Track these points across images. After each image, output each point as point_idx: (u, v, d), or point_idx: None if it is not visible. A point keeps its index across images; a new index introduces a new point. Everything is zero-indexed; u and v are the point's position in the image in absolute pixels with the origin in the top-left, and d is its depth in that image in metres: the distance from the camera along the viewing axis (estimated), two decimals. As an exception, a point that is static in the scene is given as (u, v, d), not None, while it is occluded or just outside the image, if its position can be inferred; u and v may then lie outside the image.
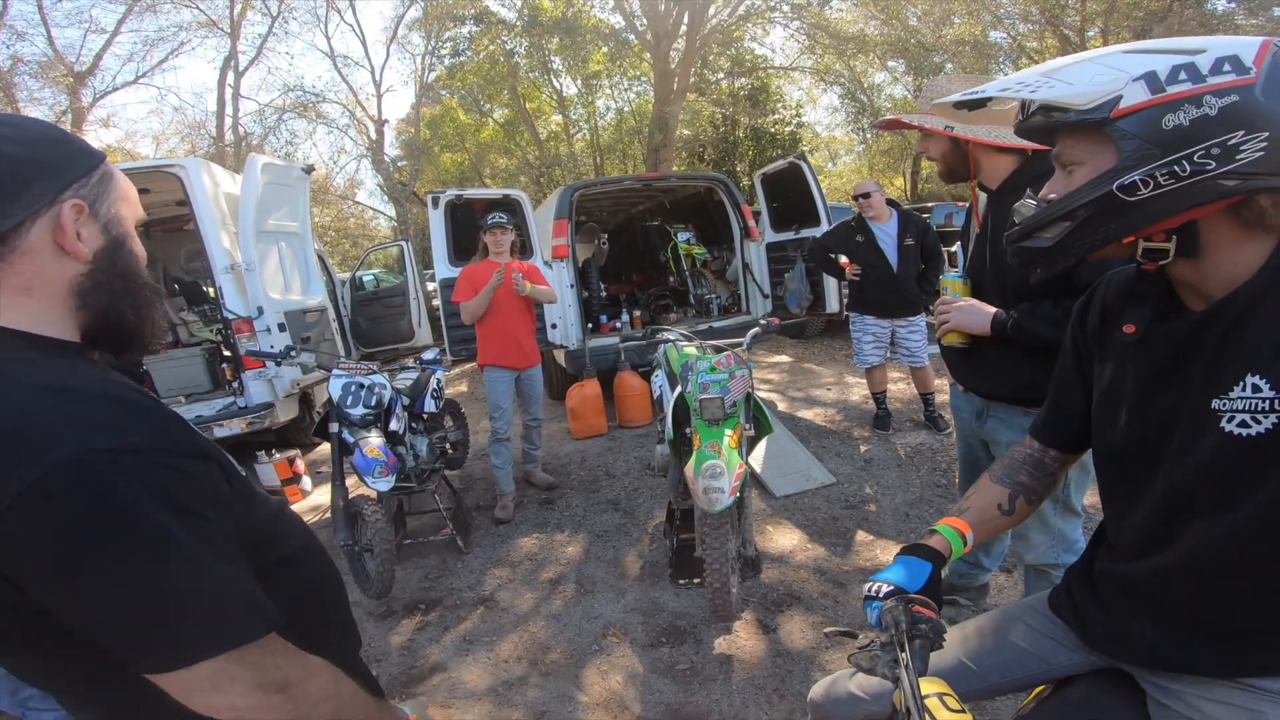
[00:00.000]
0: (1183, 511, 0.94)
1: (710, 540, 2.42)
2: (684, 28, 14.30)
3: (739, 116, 16.53)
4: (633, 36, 15.58)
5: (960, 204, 11.02)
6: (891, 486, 3.95)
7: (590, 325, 6.55)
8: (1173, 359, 0.94)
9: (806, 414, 5.53)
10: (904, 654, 0.93)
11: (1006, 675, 1.21)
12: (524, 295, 3.92)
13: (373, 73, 18.95)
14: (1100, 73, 0.84)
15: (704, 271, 7.57)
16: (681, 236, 7.63)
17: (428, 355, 4.34)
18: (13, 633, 0.70)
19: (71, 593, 0.65)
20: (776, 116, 17.55)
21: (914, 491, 3.85)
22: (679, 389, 2.86)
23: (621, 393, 5.56)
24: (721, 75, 16.53)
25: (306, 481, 5.04)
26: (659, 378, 3.62)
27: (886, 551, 3.21)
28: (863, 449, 4.58)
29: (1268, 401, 0.82)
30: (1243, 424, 0.84)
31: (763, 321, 3.54)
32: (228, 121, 18.00)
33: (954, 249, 7.39)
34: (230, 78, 17.58)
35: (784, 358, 7.72)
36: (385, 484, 3.06)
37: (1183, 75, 0.79)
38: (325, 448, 5.75)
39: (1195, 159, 0.78)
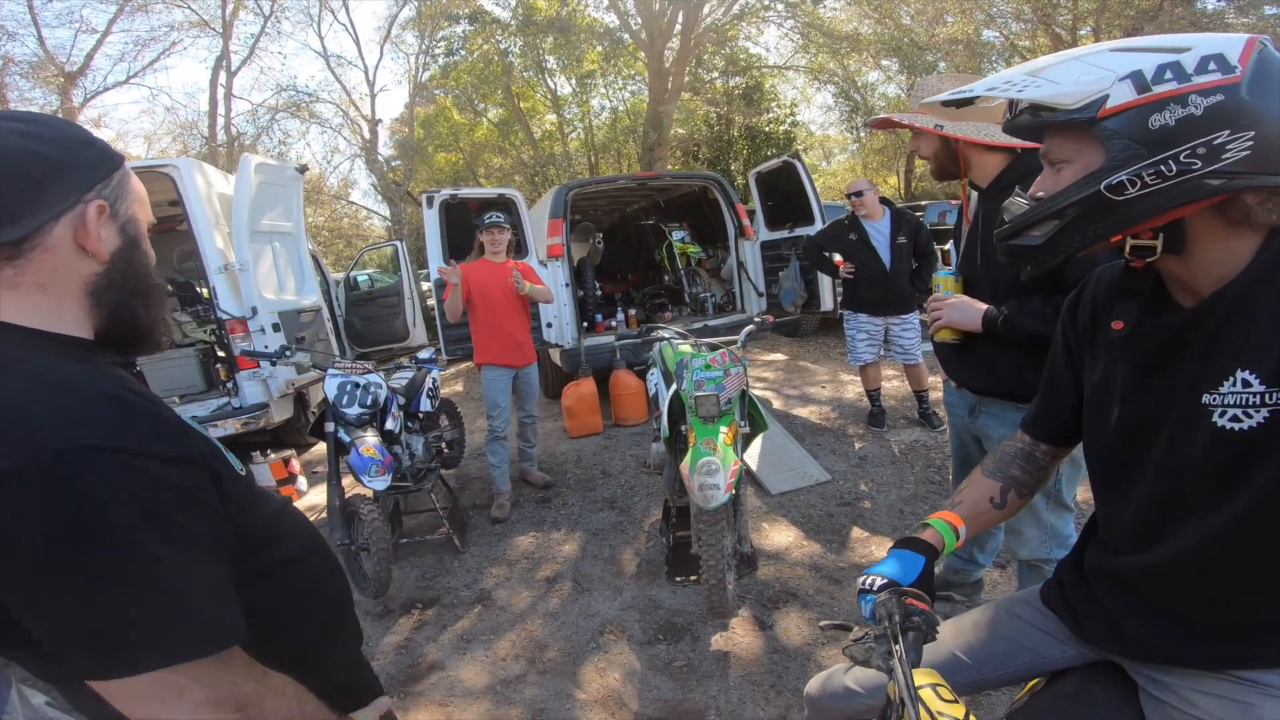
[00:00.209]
0: (1174, 506, 0.95)
1: (706, 537, 2.43)
2: (678, 27, 14.31)
3: (733, 115, 16.56)
4: (627, 36, 15.59)
5: (954, 202, 11.05)
6: (886, 483, 3.97)
7: (585, 324, 6.55)
8: (1163, 354, 0.95)
9: (801, 411, 5.55)
10: (898, 646, 0.93)
11: (1000, 668, 1.22)
12: (523, 294, 3.95)
13: (366, 72, 19.09)
14: (1086, 72, 0.84)
15: (699, 270, 7.58)
16: (676, 235, 7.64)
17: (423, 355, 4.34)
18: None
19: (22, 585, 0.63)
20: (771, 115, 17.59)
21: (908, 488, 3.87)
22: (674, 387, 2.86)
23: (617, 391, 5.57)
24: (716, 74, 16.53)
25: (302, 482, 5.03)
26: (654, 376, 3.63)
27: (881, 548, 3.23)
28: (857, 446, 4.60)
29: (1258, 396, 0.83)
30: (1234, 418, 0.85)
31: (757, 319, 3.55)
32: (220, 121, 17.91)
33: (947, 247, 7.42)
34: (222, 77, 17.49)
35: (779, 356, 7.74)
36: (381, 483, 3.06)
37: (1168, 74, 0.79)
38: (321, 448, 5.74)
39: (1181, 159, 0.79)
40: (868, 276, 4.53)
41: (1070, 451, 1.24)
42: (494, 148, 21.31)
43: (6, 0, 14.47)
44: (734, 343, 3.07)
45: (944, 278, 1.98)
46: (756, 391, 6.13)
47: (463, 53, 16.62)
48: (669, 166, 16.07)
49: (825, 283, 6.07)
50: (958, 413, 2.19)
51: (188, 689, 0.68)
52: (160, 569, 0.67)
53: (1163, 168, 0.79)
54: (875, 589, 1.06)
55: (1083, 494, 2.29)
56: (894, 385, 5.68)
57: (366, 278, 12.06)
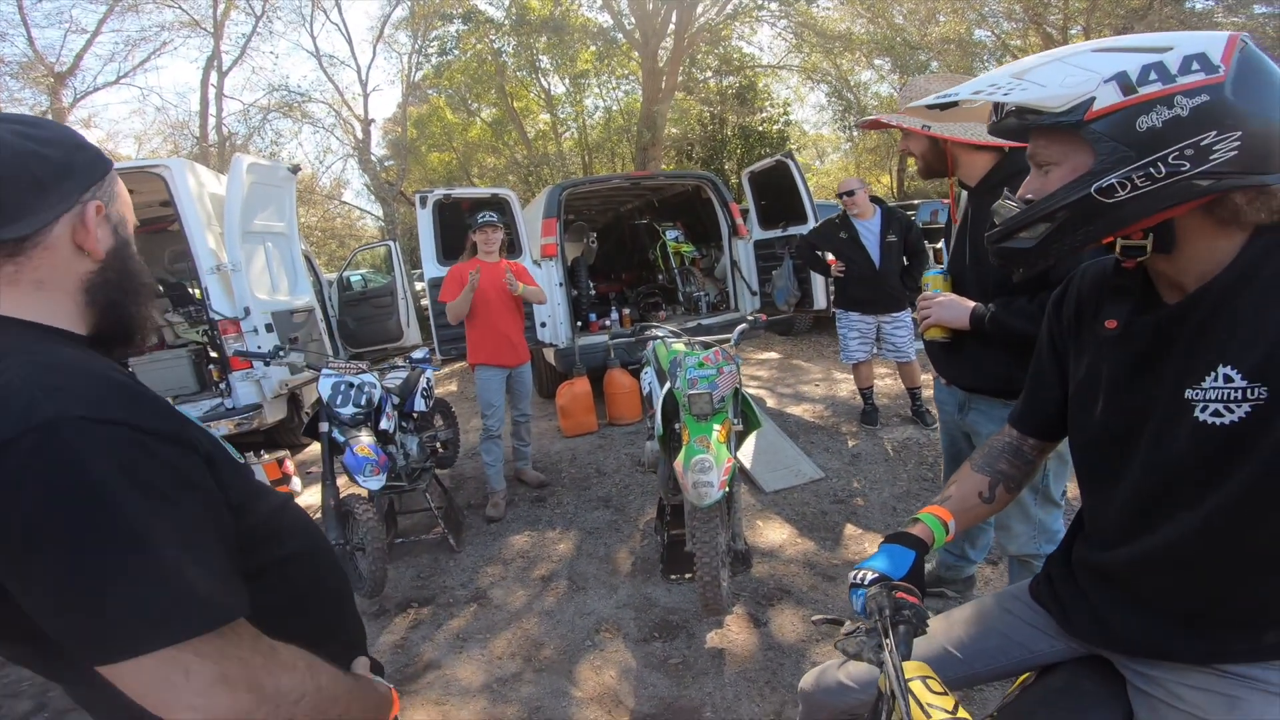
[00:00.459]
0: (1157, 499, 0.96)
1: (700, 535, 2.44)
2: (672, 26, 14.32)
3: (727, 115, 16.58)
4: (621, 35, 15.60)
5: (945, 201, 11.06)
6: (879, 481, 3.99)
7: (579, 323, 6.55)
8: (1147, 350, 0.96)
9: (795, 410, 5.56)
10: (888, 639, 0.94)
11: (990, 662, 1.23)
12: (516, 295, 3.96)
13: (359, 72, 18.88)
14: (1071, 74, 0.84)
15: (692, 269, 7.59)
16: (670, 235, 7.64)
17: (417, 354, 4.33)
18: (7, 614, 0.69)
19: (17, 562, 0.62)
20: (764, 115, 17.60)
21: (901, 485, 3.89)
22: (668, 385, 2.87)
23: (611, 390, 5.58)
24: (709, 74, 16.55)
25: (296, 482, 5.02)
26: (648, 375, 3.64)
27: (875, 545, 3.24)
28: (850, 444, 4.62)
29: (1239, 391, 0.84)
30: (1215, 413, 0.86)
31: (750, 318, 3.57)
32: (211, 121, 17.83)
33: (939, 246, 7.45)
34: (214, 77, 17.42)
35: (772, 354, 7.75)
36: (376, 483, 3.05)
37: (1153, 75, 0.80)
38: (315, 448, 5.73)
39: (1170, 160, 0.79)
40: (858, 275, 4.55)
41: (1057, 446, 1.25)
42: (487, 147, 21.27)
43: (-5, 1, 14.39)
44: (727, 341, 3.08)
45: (933, 276, 2.00)
46: (750, 390, 6.14)
47: (456, 52, 16.58)
48: (663, 166, 16.06)
49: (818, 281, 6.09)
50: (948, 410, 2.21)
51: (195, 668, 0.65)
52: (154, 543, 0.65)
53: (1152, 170, 0.80)
54: (866, 584, 1.07)
55: (1072, 490, 2.31)
56: (886, 383, 5.71)
57: (360, 278, 12.01)
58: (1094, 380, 1.05)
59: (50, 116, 14.57)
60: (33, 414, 0.62)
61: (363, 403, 3.34)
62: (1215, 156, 0.78)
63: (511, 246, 5.79)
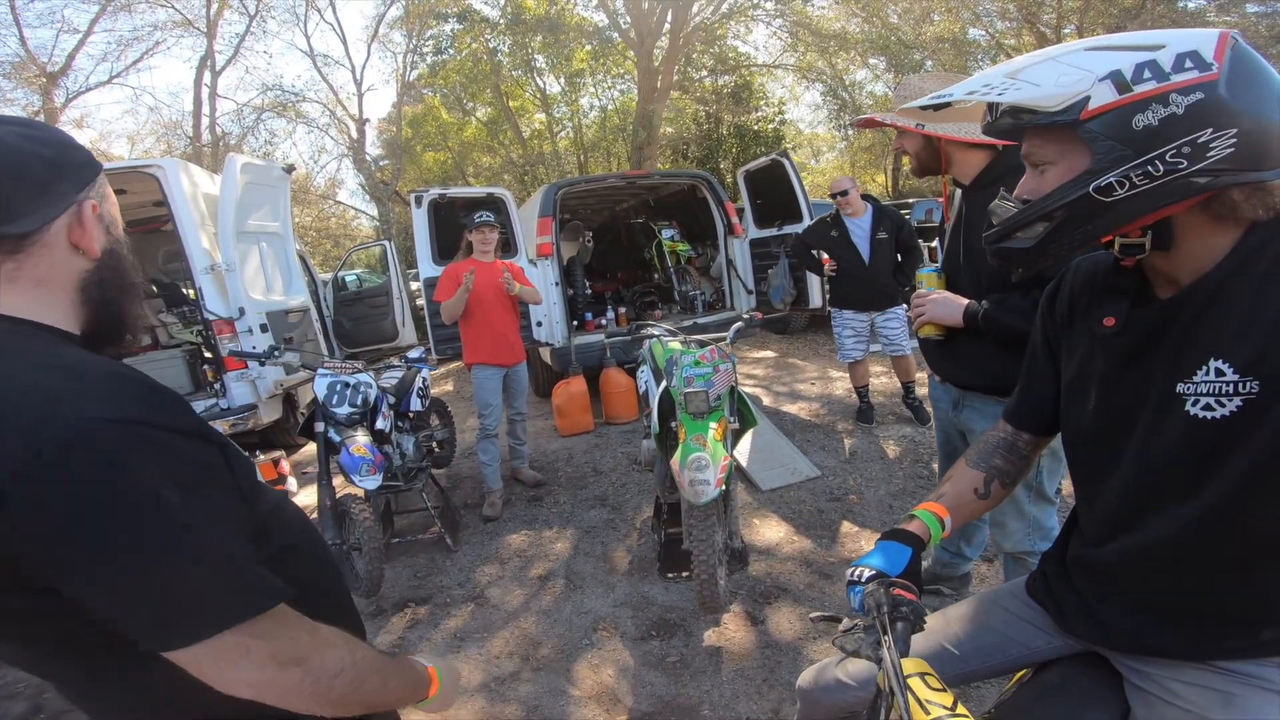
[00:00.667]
0: (1150, 494, 0.96)
1: (697, 533, 2.45)
2: (667, 25, 14.32)
3: (722, 114, 16.56)
4: (616, 34, 15.57)
5: (940, 199, 11.06)
6: (875, 479, 4.00)
7: (575, 323, 6.55)
8: (1139, 344, 0.96)
9: (791, 408, 5.57)
10: (887, 636, 0.94)
11: (987, 659, 1.23)
12: (512, 295, 3.96)
13: (353, 71, 18.77)
14: (1066, 73, 0.84)
15: (688, 268, 7.58)
16: (666, 234, 7.63)
17: (413, 354, 4.33)
18: (13, 612, 0.70)
19: (78, 565, 0.64)
20: (759, 114, 17.58)
21: (897, 483, 3.90)
22: (664, 384, 2.88)
23: (608, 389, 5.58)
24: (705, 73, 16.54)
25: (292, 482, 5.00)
26: (644, 373, 3.64)
27: (871, 542, 3.24)
28: (846, 442, 4.63)
29: (1231, 385, 0.84)
30: (1207, 407, 0.86)
31: (746, 316, 3.57)
32: (205, 121, 17.73)
33: (934, 244, 7.47)
34: (207, 77, 17.31)
35: (768, 353, 7.76)
36: (372, 482, 3.05)
37: (1147, 74, 0.80)
38: (310, 449, 5.72)
39: (1167, 158, 0.79)
40: (849, 272, 4.57)
41: (1051, 441, 1.26)
42: (483, 147, 21.22)
43: (-13, 1, 14.29)
44: (723, 339, 3.08)
45: (927, 274, 2.01)
46: (746, 388, 6.14)
47: (451, 52, 16.51)
48: (658, 165, 16.06)
49: (814, 280, 6.09)
50: (942, 407, 2.22)
51: (253, 648, 0.71)
52: (201, 534, 0.70)
53: (1150, 168, 0.80)
54: (863, 580, 1.06)
55: (1066, 486, 2.32)
56: (882, 382, 5.72)
57: (355, 278, 11.99)
58: (1086, 375, 1.05)
59: (42, 117, 14.53)
60: (61, 417, 0.64)
61: (358, 402, 3.33)
62: (1212, 154, 0.78)
63: (507, 246, 5.78)
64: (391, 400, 3.68)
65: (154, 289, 7.04)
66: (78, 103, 16.73)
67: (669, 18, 14.15)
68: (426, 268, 5.54)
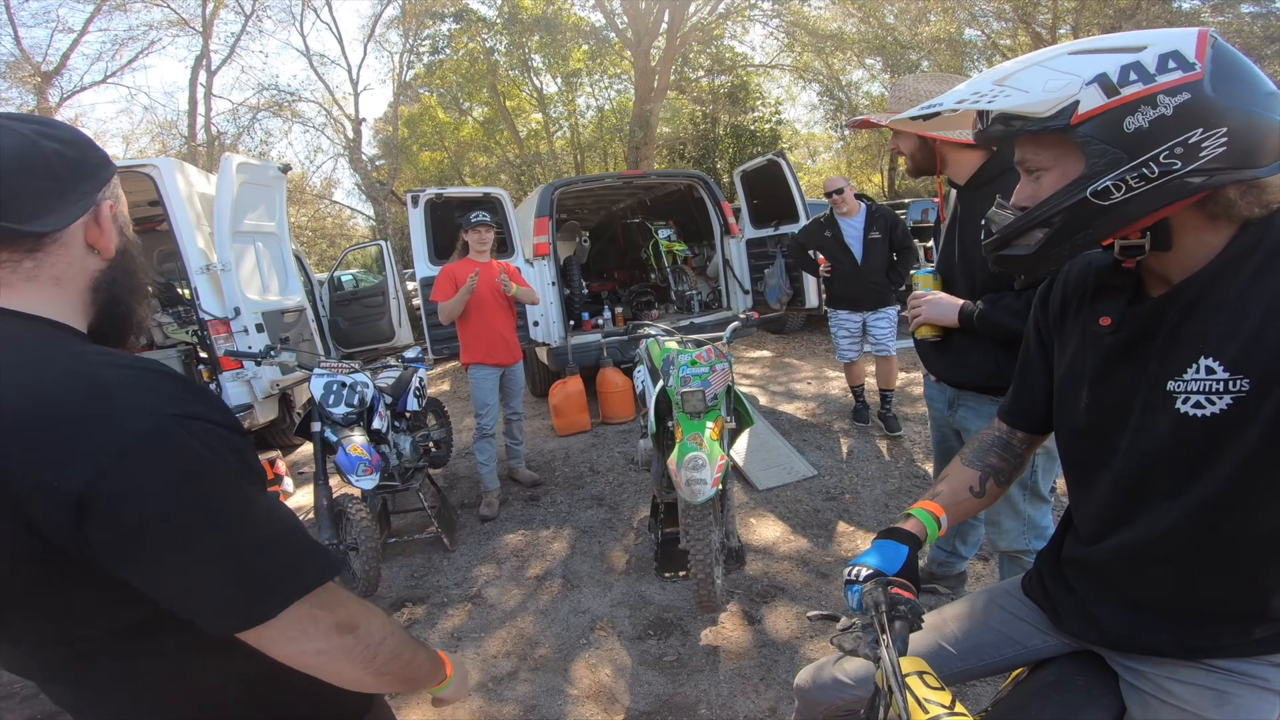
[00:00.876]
0: (1141, 492, 0.96)
1: (694, 532, 2.45)
2: (664, 25, 14.31)
3: (719, 114, 16.58)
4: (613, 34, 15.56)
5: (936, 199, 11.06)
6: (871, 478, 4.00)
7: (572, 322, 6.55)
8: (1130, 342, 0.97)
9: (787, 408, 5.58)
10: (885, 635, 0.95)
11: (984, 658, 1.23)
12: (510, 295, 3.97)
13: (350, 71, 18.82)
14: (1052, 78, 0.84)
15: (685, 268, 7.59)
16: (662, 234, 7.63)
17: (410, 354, 4.32)
18: (71, 608, 0.72)
19: (160, 555, 0.67)
20: (756, 114, 17.62)
21: (893, 483, 3.91)
22: (660, 383, 2.88)
23: (604, 389, 5.58)
24: (702, 73, 16.53)
25: (288, 483, 4.99)
26: (641, 373, 3.64)
27: (867, 542, 3.23)
28: (843, 442, 4.64)
29: (1221, 383, 0.84)
30: (1197, 405, 0.87)
31: (742, 316, 3.57)
32: (200, 121, 17.65)
33: (929, 244, 7.49)
34: (202, 77, 17.23)
35: (765, 353, 7.78)
36: (369, 482, 3.04)
37: (1133, 75, 0.80)
38: (307, 449, 5.71)
39: (1161, 159, 0.79)
40: (841, 273, 4.58)
41: (1045, 439, 1.26)
42: (479, 147, 21.19)
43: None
44: (719, 339, 3.09)
45: (923, 275, 2.02)
46: (743, 388, 6.16)
47: (448, 51, 16.48)
48: (655, 165, 16.07)
49: (810, 280, 6.11)
50: (937, 406, 2.22)
51: (319, 617, 0.76)
52: (268, 515, 0.75)
53: (1145, 170, 0.80)
54: (861, 579, 1.06)
55: (1062, 485, 2.33)
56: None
57: (351, 278, 11.97)
58: (1078, 373, 1.06)
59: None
60: (143, 413, 0.67)
61: (355, 402, 3.33)
62: (1205, 153, 0.78)
63: (503, 246, 5.78)
64: (388, 400, 3.68)
65: (148, 289, 7.01)
66: (72, 102, 16.65)
67: (666, 18, 14.15)
68: (423, 267, 5.53)
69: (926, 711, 0.86)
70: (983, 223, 1.01)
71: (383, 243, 10.36)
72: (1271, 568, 0.90)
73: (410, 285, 10.03)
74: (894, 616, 0.97)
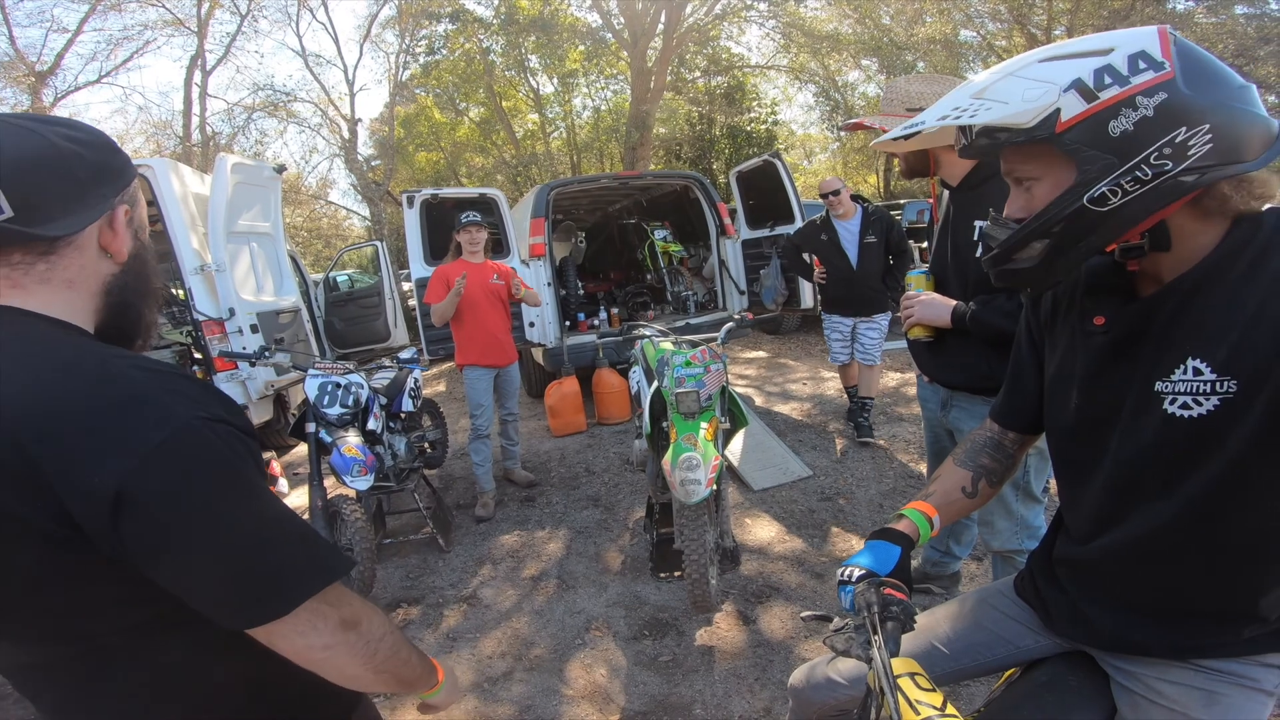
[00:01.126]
0: (1129, 492, 0.97)
1: (688, 532, 2.45)
2: (661, 26, 14.31)
3: (715, 115, 16.60)
4: (610, 35, 15.56)
5: (930, 201, 11.06)
6: (866, 478, 4.01)
7: (568, 323, 6.55)
8: (1119, 342, 0.97)
9: (782, 409, 5.59)
10: (877, 636, 0.95)
11: (977, 658, 1.23)
12: (518, 297, 4.03)
13: (345, 71, 18.78)
14: (1029, 87, 0.83)
15: (681, 269, 7.59)
16: (658, 234, 7.64)
17: (405, 355, 4.31)
18: (91, 603, 0.72)
19: (185, 553, 0.69)
20: (752, 115, 17.63)
21: (887, 483, 3.92)
22: (656, 384, 2.88)
23: (600, 390, 5.58)
24: (698, 74, 16.54)
25: (283, 484, 4.98)
26: (636, 373, 3.64)
27: (862, 542, 3.25)
28: (837, 442, 4.65)
29: (1208, 384, 0.84)
30: (1184, 405, 0.87)
31: (737, 317, 3.58)
32: (195, 121, 17.59)
33: (924, 245, 7.50)
34: (197, 76, 17.16)
35: (760, 353, 7.79)
36: (364, 483, 3.04)
37: (1108, 79, 0.80)
38: (301, 450, 5.69)
39: (1152, 161, 0.79)
40: (836, 276, 4.56)
41: (1037, 440, 1.26)
42: (475, 147, 21.15)
43: (-25, 1, 14.14)
44: (714, 340, 3.09)
45: (916, 276, 2.03)
46: (738, 388, 6.17)
47: (444, 52, 16.46)
48: (651, 166, 16.06)
49: (805, 280, 6.13)
50: (930, 407, 2.23)
51: (327, 613, 0.78)
52: (285, 514, 0.78)
53: (1138, 173, 0.80)
54: (854, 580, 1.07)
55: (1054, 486, 2.34)
56: (874, 382, 5.74)
57: (346, 278, 11.93)
58: (1069, 373, 1.06)
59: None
60: (174, 415, 0.69)
61: (350, 403, 3.32)
62: (1193, 151, 0.78)
63: (499, 246, 5.78)
64: (383, 401, 3.67)
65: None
66: (66, 102, 16.56)
67: (662, 18, 14.15)
68: (418, 268, 5.52)
69: (918, 713, 0.87)
70: (976, 238, 1.01)
71: (378, 243, 10.33)
72: (1260, 568, 0.90)
73: (406, 286, 10.01)
74: (886, 617, 0.97)
